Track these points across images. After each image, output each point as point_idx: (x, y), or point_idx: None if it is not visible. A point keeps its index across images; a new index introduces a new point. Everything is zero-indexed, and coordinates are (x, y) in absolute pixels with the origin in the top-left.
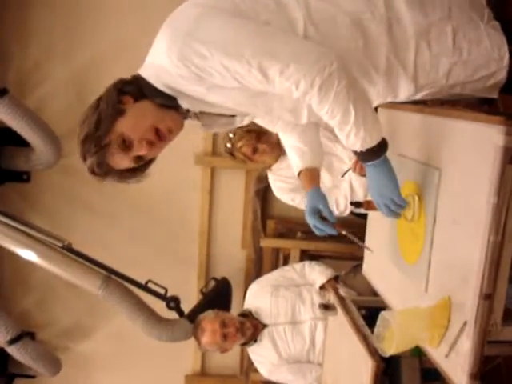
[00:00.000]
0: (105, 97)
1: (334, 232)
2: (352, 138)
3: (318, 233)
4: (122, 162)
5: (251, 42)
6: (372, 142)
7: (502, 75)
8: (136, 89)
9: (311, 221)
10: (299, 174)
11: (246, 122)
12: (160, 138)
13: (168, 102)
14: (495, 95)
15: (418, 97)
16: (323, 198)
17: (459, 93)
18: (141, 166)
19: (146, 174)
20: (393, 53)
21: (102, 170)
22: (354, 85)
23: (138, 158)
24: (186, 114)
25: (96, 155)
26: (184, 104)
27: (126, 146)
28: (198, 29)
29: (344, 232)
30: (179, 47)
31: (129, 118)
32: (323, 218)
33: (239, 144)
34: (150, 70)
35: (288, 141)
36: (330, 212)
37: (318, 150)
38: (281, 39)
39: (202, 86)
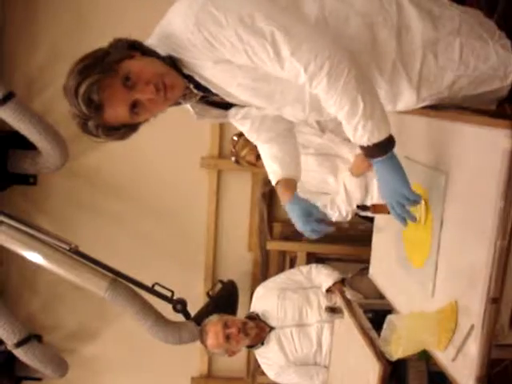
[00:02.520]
0: (113, 42)
1: (331, 228)
2: (360, 131)
3: (315, 236)
4: (119, 98)
5: (269, 15)
6: (380, 137)
7: (504, 92)
8: (144, 49)
9: (308, 226)
10: (277, 183)
11: (239, 116)
12: (165, 86)
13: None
14: (493, 107)
15: (418, 107)
16: (309, 202)
17: (458, 103)
18: (125, 129)
19: (124, 137)
20: (399, 60)
21: (97, 99)
22: (363, 76)
23: (133, 109)
24: (187, 83)
25: (97, 76)
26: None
27: (127, 85)
28: None
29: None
30: (197, 12)
31: (138, 61)
32: (317, 220)
33: (243, 153)
34: (157, 41)
35: (268, 151)
36: (322, 211)
37: (298, 161)
38: (296, 20)
39: (209, 60)
